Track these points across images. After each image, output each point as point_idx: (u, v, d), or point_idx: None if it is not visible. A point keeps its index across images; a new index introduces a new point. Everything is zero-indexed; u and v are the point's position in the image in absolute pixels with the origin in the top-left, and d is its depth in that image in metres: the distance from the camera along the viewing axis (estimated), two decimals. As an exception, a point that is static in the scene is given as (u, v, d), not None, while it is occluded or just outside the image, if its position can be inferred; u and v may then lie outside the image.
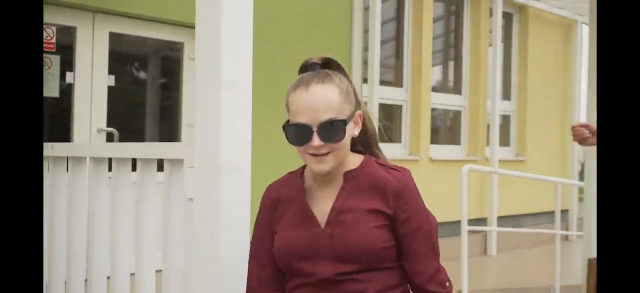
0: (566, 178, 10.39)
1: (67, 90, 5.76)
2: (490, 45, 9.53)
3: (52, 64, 5.62)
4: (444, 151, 8.92)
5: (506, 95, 10.13)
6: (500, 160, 9.07)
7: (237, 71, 2.48)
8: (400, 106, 8.45)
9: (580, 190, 8.62)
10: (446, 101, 9.27)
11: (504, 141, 9.91)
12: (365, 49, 7.71)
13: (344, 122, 2.05)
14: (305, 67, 2.20)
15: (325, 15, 7.31)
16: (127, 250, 3.10)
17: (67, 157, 3.46)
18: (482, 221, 8.89)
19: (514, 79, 10.34)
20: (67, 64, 5.78)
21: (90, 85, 5.82)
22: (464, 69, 9.48)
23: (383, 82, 8.12)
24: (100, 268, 3.22)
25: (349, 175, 2.14)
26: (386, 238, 2.04)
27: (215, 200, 2.35)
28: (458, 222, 6.30)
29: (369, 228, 2.04)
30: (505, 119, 10.11)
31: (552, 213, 9.20)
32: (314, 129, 2.02)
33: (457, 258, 6.07)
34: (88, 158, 3.32)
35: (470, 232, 6.20)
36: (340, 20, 7.51)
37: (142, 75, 6.73)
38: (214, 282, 2.38)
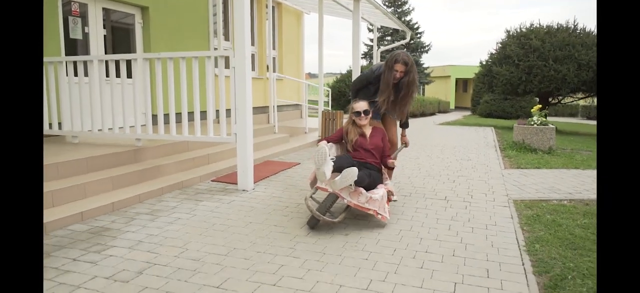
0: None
1: (86, 36, 6.85)
2: (267, 19, 10.89)
3: (77, 22, 6.75)
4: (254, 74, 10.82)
5: (273, 47, 11.66)
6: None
7: (247, 61, 4.63)
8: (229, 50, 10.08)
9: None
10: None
11: (273, 69, 11.77)
12: (214, 14, 8.92)
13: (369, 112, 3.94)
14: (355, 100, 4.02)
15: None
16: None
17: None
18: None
19: (276, 38, 11.79)
20: (85, 22, 6.83)
21: (96, 34, 6.85)
22: (255, 34, 10.82)
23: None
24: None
25: (371, 132, 3.95)
26: (381, 145, 3.93)
27: (243, 65, 4.67)
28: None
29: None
30: (273, 59, 11.66)
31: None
32: (362, 112, 3.89)
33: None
34: (168, 59, 4.78)
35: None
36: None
37: (116, 29, 7.30)
38: (246, 87, 4.65)
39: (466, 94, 34.24)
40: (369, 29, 29.38)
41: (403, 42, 14.83)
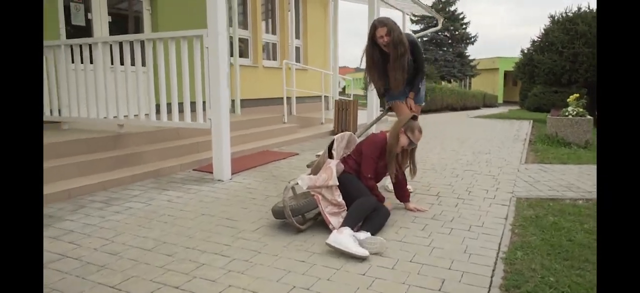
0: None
1: (89, 22, 6.73)
2: (289, 11, 10.76)
3: (80, 8, 6.67)
4: (270, 63, 10.23)
5: (298, 36, 11.39)
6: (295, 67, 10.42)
7: (222, 39, 4.28)
8: (247, 39, 9.58)
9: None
10: (269, 39, 10.39)
11: (298, 59, 11.43)
12: (230, 8, 8.61)
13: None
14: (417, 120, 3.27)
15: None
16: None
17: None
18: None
19: (301, 28, 11.53)
20: (88, 9, 6.78)
21: (100, 20, 6.82)
22: (276, 22, 10.66)
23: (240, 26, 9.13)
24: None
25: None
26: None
27: (216, 45, 4.31)
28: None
29: None
30: (298, 49, 11.45)
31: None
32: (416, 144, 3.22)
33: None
34: (153, 40, 4.48)
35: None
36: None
37: (123, 16, 7.20)
38: (220, 68, 4.28)
39: (516, 87, 32.36)
40: (412, 20, 28.36)
41: (434, 29, 13.89)
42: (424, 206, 3.56)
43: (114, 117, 4.93)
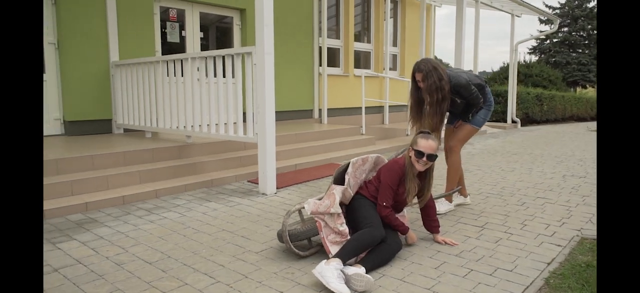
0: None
1: (183, 39, 7.43)
2: (385, 20, 10.46)
3: (175, 27, 7.36)
4: (359, 72, 9.90)
5: (394, 44, 11.19)
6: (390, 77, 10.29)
7: (269, 57, 4.34)
8: (338, 48, 9.68)
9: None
10: (362, 47, 10.29)
11: (393, 67, 11.25)
12: (320, 20, 8.91)
13: (436, 156, 2.92)
14: (423, 132, 2.96)
15: None
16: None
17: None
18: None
19: (398, 35, 11.26)
20: (183, 27, 7.48)
21: (193, 37, 7.49)
22: (371, 30, 10.59)
23: (329, 35, 9.25)
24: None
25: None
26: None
27: (262, 62, 4.38)
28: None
29: None
30: (394, 56, 11.23)
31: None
32: (426, 154, 2.87)
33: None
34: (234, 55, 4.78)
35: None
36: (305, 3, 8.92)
37: (218, 33, 7.79)
38: (266, 84, 4.36)
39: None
40: (540, 20, 25.82)
41: (549, 31, 12.44)
42: (455, 240, 3.18)
43: (184, 126, 5.30)
